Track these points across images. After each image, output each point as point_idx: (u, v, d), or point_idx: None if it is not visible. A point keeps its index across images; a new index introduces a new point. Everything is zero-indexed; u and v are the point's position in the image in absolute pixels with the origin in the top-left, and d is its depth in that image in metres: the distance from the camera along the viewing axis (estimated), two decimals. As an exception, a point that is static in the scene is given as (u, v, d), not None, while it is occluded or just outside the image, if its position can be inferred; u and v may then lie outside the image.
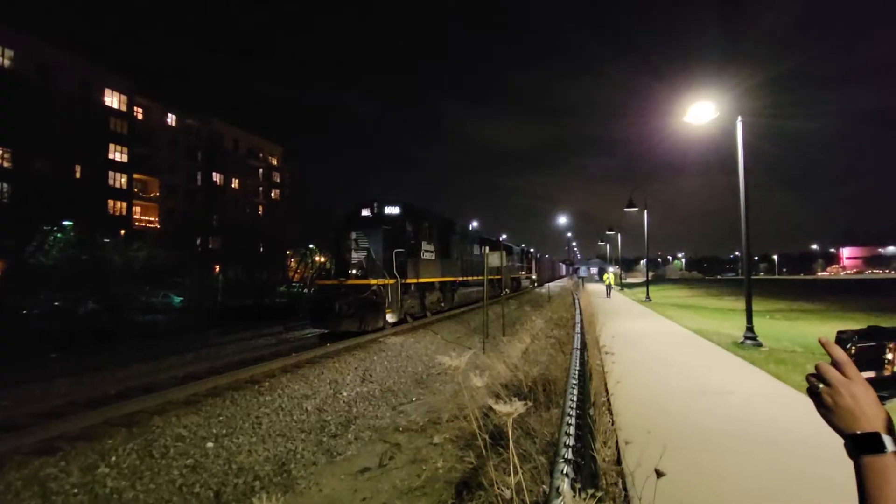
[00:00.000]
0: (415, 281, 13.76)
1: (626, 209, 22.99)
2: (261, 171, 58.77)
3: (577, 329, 7.91)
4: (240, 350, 11.06)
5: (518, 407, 2.09)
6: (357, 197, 15.84)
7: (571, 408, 3.20)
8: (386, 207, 14.31)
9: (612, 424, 4.12)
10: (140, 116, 43.13)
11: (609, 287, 26.50)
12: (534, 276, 42.88)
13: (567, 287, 38.35)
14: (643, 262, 76.78)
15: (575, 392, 3.62)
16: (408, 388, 8.12)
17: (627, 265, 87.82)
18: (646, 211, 24.09)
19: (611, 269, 43.83)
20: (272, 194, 58.88)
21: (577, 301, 17.48)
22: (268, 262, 24.40)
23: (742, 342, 9.26)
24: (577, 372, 4.62)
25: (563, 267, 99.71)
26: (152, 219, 43.10)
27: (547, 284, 41.53)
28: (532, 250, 47.12)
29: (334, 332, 12.30)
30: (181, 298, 21.67)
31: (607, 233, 40.74)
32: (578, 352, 5.54)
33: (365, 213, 14.42)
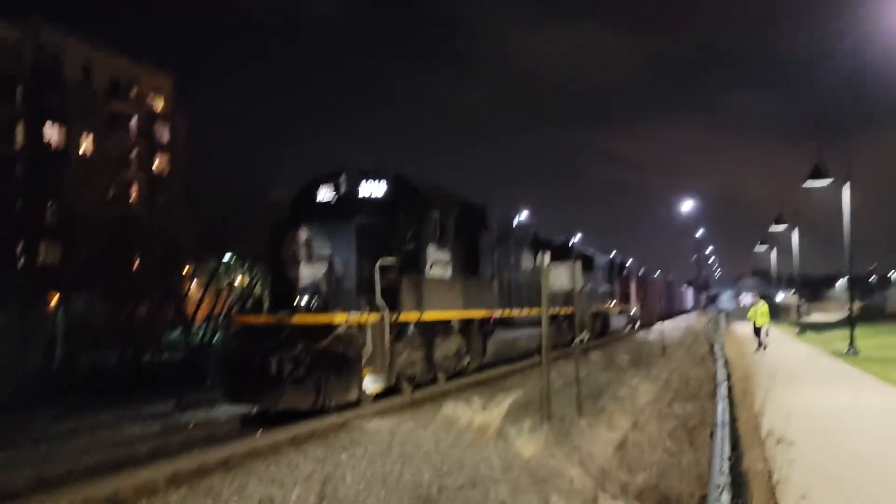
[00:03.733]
0: (416, 317, 13.81)
1: (807, 183, 22.77)
2: (134, 121, 59.86)
3: (722, 402, 7.85)
4: (95, 445, 11.10)
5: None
6: (315, 169, 16.06)
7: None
8: (363, 183, 14.47)
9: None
10: None
11: (760, 331, 26.13)
12: (635, 310, 42.69)
13: (696, 328, 38.07)
14: (840, 283, 75.91)
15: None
16: (404, 515, 8.07)
17: (812, 289, 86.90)
18: (847, 185, 23.79)
19: (746, 295, 43.24)
20: (155, 163, 59.88)
21: (716, 353, 17.35)
22: (149, 288, 24.75)
23: None
24: (722, 481, 4.55)
25: (691, 293, 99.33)
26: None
27: (660, 324, 41.31)
28: (631, 263, 47.04)
29: (269, 412, 12.36)
30: None
31: (772, 229, 40.39)
32: (722, 443, 5.47)
33: (325, 194, 14.59)
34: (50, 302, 25.68)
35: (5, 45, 49.83)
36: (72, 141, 52.55)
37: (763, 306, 26.98)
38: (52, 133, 51.75)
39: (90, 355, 22.84)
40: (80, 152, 53.06)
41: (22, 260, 31.30)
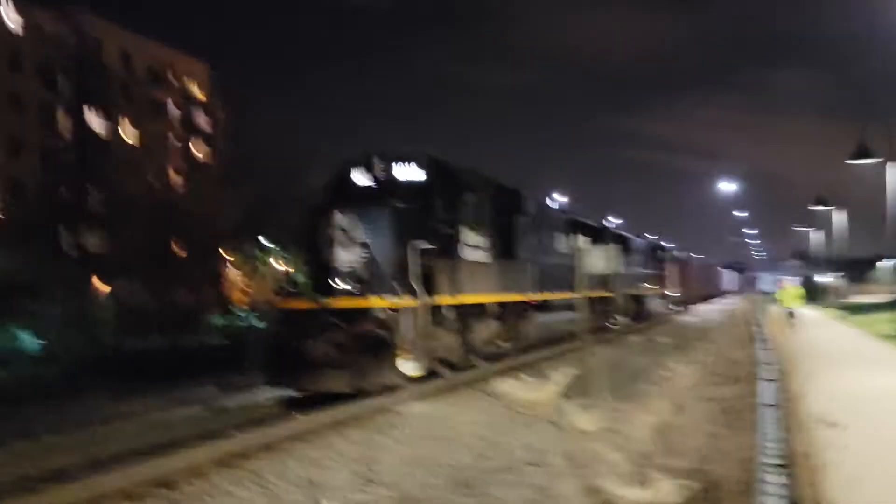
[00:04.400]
0: (452, 301, 13.80)
1: (851, 160, 22.25)
2: (173, 108, 60.51)
3: (764, 386, 7.73)
4: (142, 428, 11.29)
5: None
6: (351, 153, 16.08)
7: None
8: (397, 166, 14.46)
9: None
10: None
11: (792, 313, 25.68)
12: (673, 293, 42.21)
13: (737, 311, 37.59)
14: (884, 264, 74.20)
15: None
16: (444, 498, 8.11)
17: (855, 271, 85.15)
18: (891, 164, 23.18)
19: (789, 279, 42.24)
20: (193, 151, 60.60)
21: (757, 336, 17.11)
22: (190, 273, 25.10)
23: None
24: (767, 466, 4.48)
25: (730, 275, 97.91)
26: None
27: (698, 307, 40.89)
28: (669, 246, 46.52)
29: (308, 394, 12.47)
30: (36, 339, 22.50)
31: (813, 207, 39.63)
32: (766, 426, 5.38)
33: (360, 177, 14.60)
34: (93, 288, 26.21)
35: (48, 34, 50.67)
36: (112, 128, 53.35)
37: (794, 288, 26.56)
38: (94, 120, 52.54)
39: (135, 339, 23.28)
40: (122, 139, 53.96)
41: (68, 246, 32.00)
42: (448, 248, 13.91)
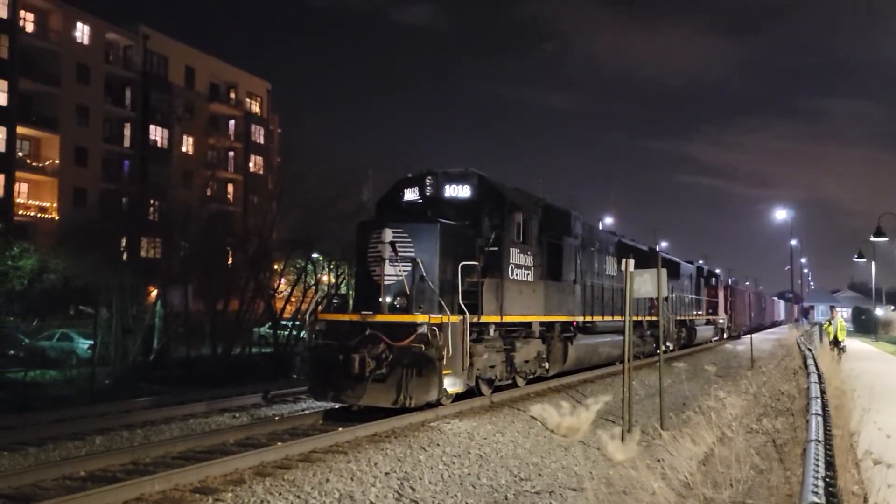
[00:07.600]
0: (496, 319, 13.74)
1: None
2: (233, 123, 61.84)
3: (815, 419, 7.46)
4: (186, 434, 11.49)
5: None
6: (401, 170, 16.23)
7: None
8: (448, 186, 14.50)
9: None
10: (30, 28, 46.77)
11: (837, 344, 25.04)
12: (722, 320, 41.46)
13: (789, 341, 36.68)
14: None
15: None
16: (480, 518, 8.02)
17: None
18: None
19: (842, 310, 41.10)
20: (251, 164, 61.74)
21: (809, 368, 16.63)
22: (241, 284, 25.42)
23: None
24: (815, 501, 4.32)
25: (782, 305, 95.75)
26: (48, 203, 46.42)
27: (749, 336, 39.97)
28: (719, 272, 45.67)
29: (350, 408, 12.52)
30: (89, 343, 23.02)
31: (872, 239, 38.55)
32: (816, 463, 5.18)
33: (410, 195, 14.69)
34: (149, 295, 26.71)
35: (117, 49, 52.35)
36: (174, 141, 54.67)
37: (839, 320, 25.95)
38: (157, 133, 53.92)
39: (184, 347, 23.64)
40: (182, 151, 55.27)
41: (126, 253, 32.78)
42: (494, 266, 13.85)
